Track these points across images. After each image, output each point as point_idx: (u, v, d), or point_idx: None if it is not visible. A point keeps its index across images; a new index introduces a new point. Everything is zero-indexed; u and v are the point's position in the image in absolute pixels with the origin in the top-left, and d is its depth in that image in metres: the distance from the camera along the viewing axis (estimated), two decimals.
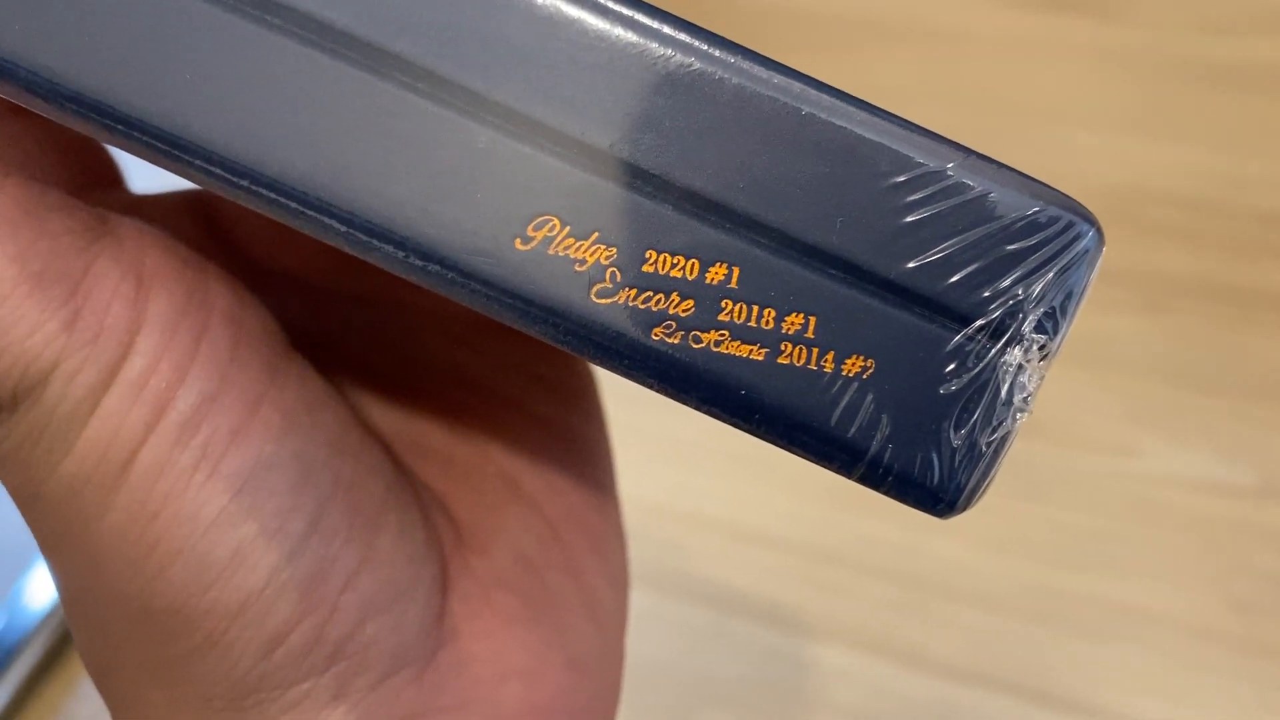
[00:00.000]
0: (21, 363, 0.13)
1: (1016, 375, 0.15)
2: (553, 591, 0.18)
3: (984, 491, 0.16)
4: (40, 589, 0.55)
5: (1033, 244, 0.14)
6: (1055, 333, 0.15)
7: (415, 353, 0.19)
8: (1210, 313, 0.63)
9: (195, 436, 0.14)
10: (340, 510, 0.15)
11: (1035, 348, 0.15)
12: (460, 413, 0.19)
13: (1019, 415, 0.15)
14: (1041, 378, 0.15)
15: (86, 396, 0.13)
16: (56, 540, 0.15)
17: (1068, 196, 0.15)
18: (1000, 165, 0.14)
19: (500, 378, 0.20)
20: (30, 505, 0.15)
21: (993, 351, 0.15)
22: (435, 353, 0.19)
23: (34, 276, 0.12)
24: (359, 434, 0.16)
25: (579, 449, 0.20)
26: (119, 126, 0.13)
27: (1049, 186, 0.15)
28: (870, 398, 0.14)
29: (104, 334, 0.13)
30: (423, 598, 0.16)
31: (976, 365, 0.15)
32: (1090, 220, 0.15)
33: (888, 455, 0.15)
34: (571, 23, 0.13)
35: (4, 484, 0.15)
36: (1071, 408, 0.59)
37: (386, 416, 0.19)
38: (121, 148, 0.13)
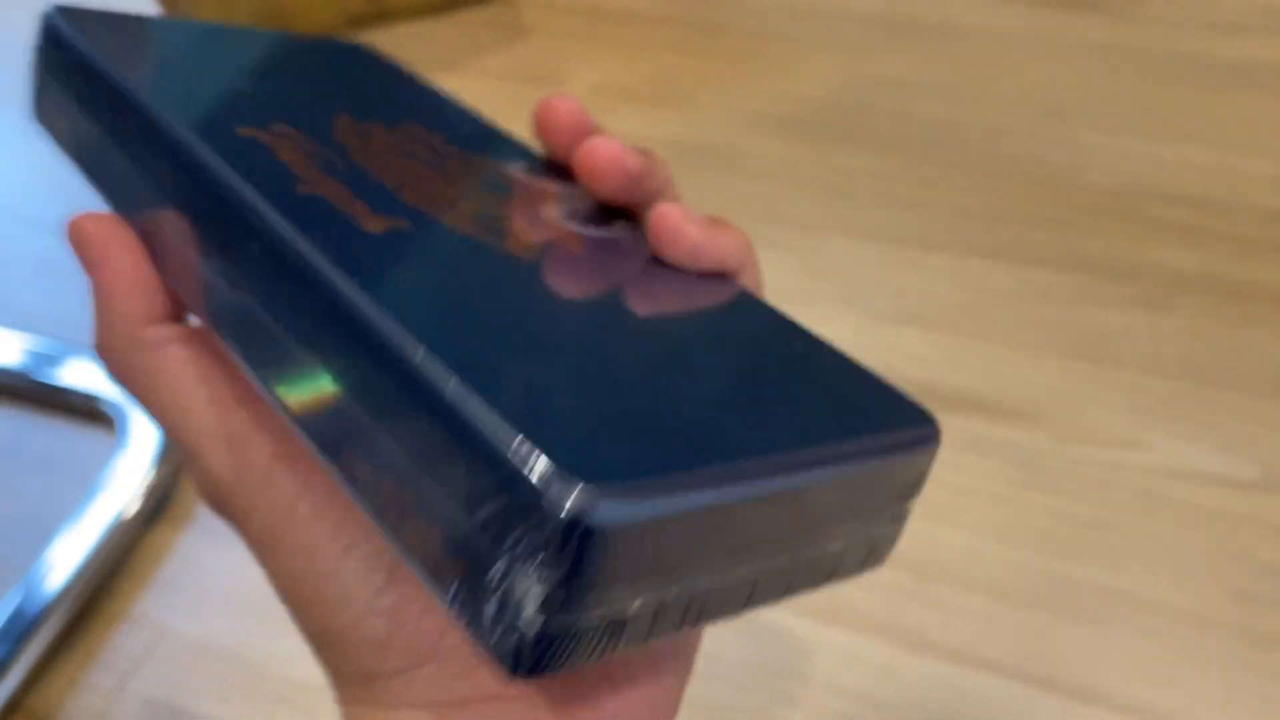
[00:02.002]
0: (245, 494, 0.22)
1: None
2: None
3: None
4: (59, 565, 0.56)
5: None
6: None
7: None
8: (1214, 309, 0.64)
9: (311, 530, 0.21)
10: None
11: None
12: None
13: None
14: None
15: (270, 518, 0.22)
16: (276, 591, 0.23)
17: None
18: None
19: None
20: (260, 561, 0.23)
21: None
22: None
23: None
24: None
25: None
26: None
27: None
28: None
29: (284, 483, 0.22)
30: None
31: None
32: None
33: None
34: None
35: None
36: (1076, 401, 0.60)
37: None
38: None
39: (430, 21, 0.96)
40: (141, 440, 0.61)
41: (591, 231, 0.24)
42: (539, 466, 0.15)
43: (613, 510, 0.15)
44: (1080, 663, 0.50)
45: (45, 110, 0.28)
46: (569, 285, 0.21)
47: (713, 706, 0.50)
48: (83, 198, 0.82)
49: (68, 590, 0.55)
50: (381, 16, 0.96)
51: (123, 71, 0.25)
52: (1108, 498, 0.55)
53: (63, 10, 0.27)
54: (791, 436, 0.19)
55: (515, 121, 0.84)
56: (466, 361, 0.17)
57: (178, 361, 0.23)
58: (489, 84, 0.88)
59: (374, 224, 0.21)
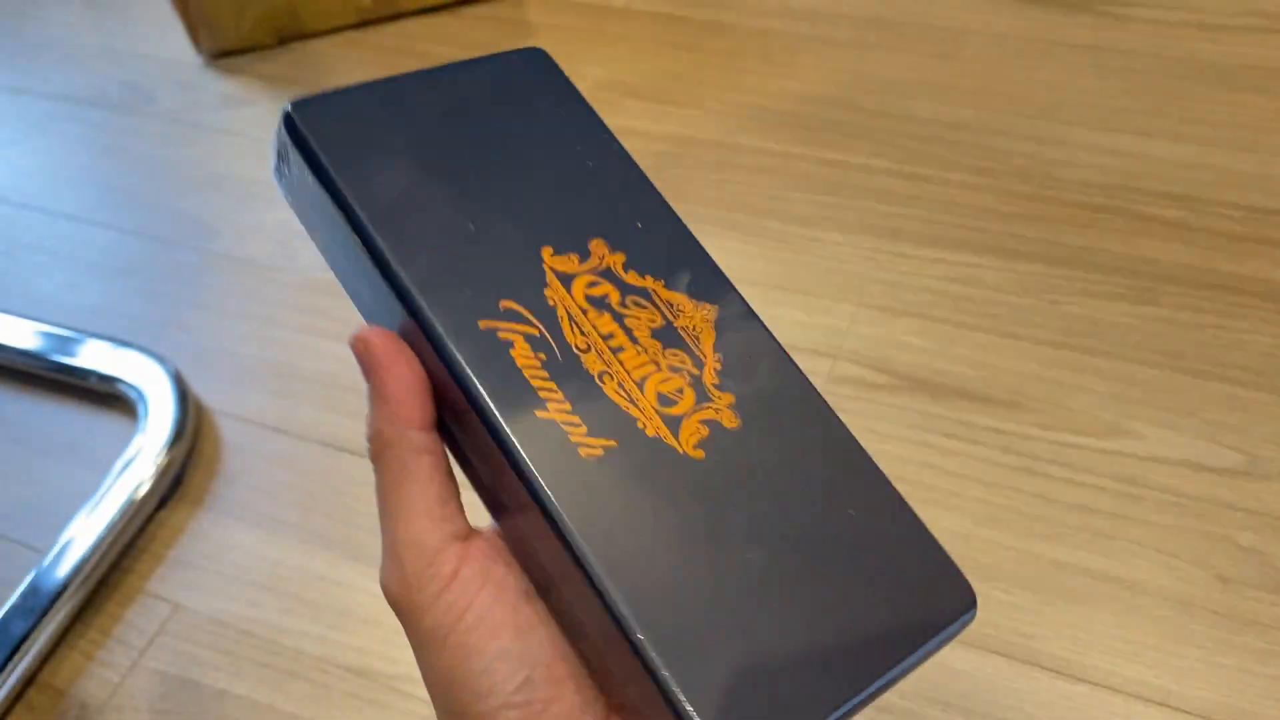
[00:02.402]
0: (421, 600, 0.26)
1: None
2: None
3: None
4: (76, 544, 0.57)
5: None
6: None
7: None
8: (1198, 302, 0.65)
9: (471, 635, 0.26)
10: (542, 674, 0.26)
11: None
12: None
13: None
14: None
15: (440, 620, 0.26)
16: (425, 673, 0.27)
17: None
18: None
19: None
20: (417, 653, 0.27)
21: None
22: None
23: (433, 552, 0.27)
24: (559, 640, 0.27)
25: None
26: None
27: None
28: None
29: (457, 596, 0.26)
30: None
31: None
32: None
33: None
34: None
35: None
36: (1064, 391, 0.61)
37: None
38: None
39: (439, 17, 0.97)
40: (158, 422, 0.62)
41: (743, 387, 0.30)
42: None
43: None
44: (1066, 642, 0.51)
45: (286, 186, 0.31)
46: (727, 496, 0.28)
47: None
48: (97, 192, 0.83)
49: (83, 568, 0.56)
50: (392, 13, 0.98)
51: (357, 204, 0.29)
52: (1094, 484, 0.57)
53: (300, 106, 0.30)
54: (884, 657, 0.26)
55: None
56: (657, 626, 0.25)
57: (422, 469, 0.28)
58: None
59: (591, 448, 0.27)
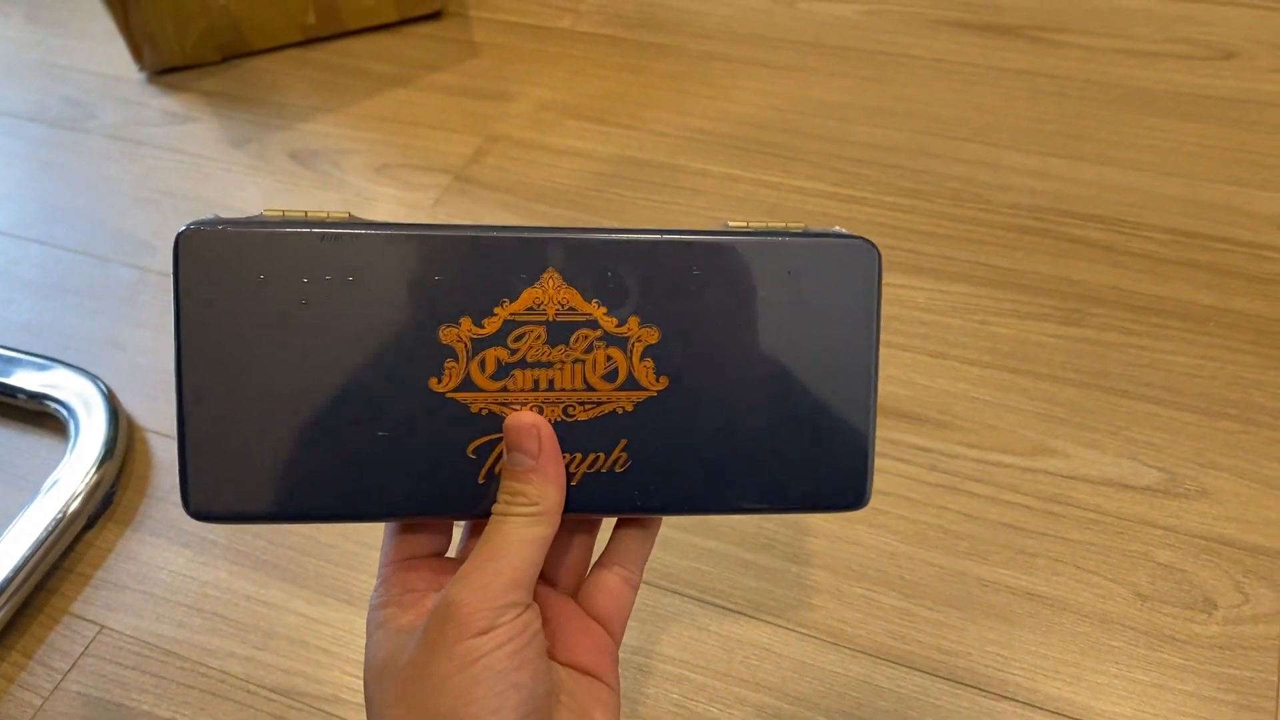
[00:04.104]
0: (482, 623, 0.30)
1: None
2: None
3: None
4: (1, 564, 0.56)
5: None
6: None
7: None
8: (1123, 323, 0.66)
9: (502, 662, 0.30)
10: (541, 710, 0.31)
11: None
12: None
13: None
14: None
15: (481, 644, 0.30)
16: (423, 681, 0.30)
17: None
18: None
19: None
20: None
21: None
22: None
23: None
24: (553, 693, 0.33)
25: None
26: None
27: None
28: None
29: (509, 630, 0.30)
30: None
31: None
32: None
33: None
34: None
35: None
36: (991, 410, 0.62)
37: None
38: None
39: (382, 36, 0.97)
40: (88, 441, 0.62)
41: (631, 303, 0.31)
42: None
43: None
44: (989, 659, 0.52)
45: None
46: (697, 384, 0.31)
47: (631, 700, 0.51)
48: (34, 208, 0.81)
49: (7, 589, 0.55)
50: (336, 31, 0.98)
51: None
52: (1018, 502, 0.57)
53: (196, 232, 0.29)
54: (863, 359, 0.32)
55: (466, 133, 0.86)
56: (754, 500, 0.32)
57: (548, 542, 0.32)
58: (439, 98, 0.90)
59: (620, 461, 0.31)
